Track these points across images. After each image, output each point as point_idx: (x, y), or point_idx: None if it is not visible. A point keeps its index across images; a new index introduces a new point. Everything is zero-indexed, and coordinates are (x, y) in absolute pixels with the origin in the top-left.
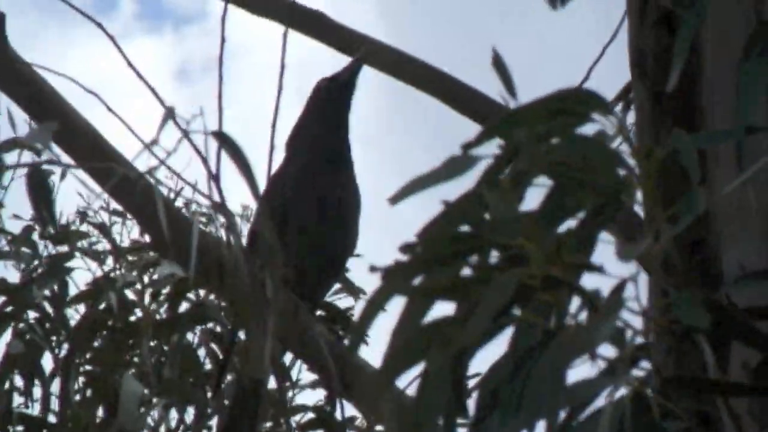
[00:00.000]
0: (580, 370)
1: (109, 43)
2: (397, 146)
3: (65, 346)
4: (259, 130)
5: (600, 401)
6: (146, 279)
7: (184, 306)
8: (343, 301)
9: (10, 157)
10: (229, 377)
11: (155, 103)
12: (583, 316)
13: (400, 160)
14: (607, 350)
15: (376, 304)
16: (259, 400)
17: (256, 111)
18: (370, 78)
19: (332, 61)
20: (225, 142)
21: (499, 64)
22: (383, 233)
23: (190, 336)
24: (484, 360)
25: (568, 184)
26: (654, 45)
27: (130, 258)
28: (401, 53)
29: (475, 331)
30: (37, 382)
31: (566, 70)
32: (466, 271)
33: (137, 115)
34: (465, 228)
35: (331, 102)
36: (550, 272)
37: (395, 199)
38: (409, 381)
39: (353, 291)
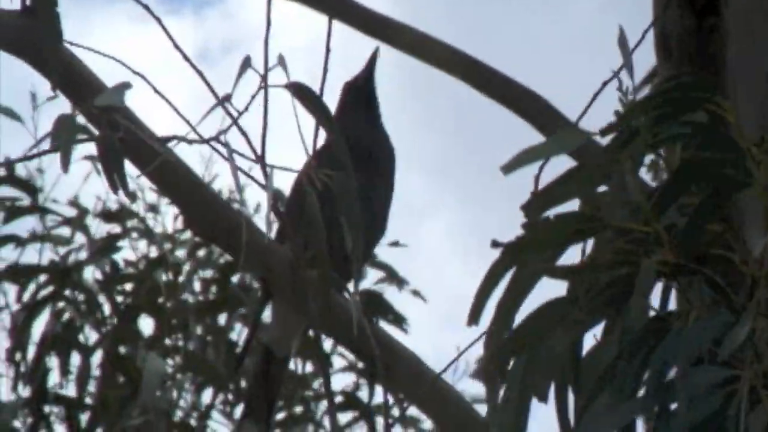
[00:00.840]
0: None
1: (126, 26)
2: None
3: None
4: (278, 113)
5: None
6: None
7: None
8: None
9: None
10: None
11: (176, 86)
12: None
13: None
14: None
15: (494, 276)
16: (282, 378)
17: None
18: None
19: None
20: (303, 93)
21: (623, 43)
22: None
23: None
24: None
25: (687, 171)
26: (679, 27)
27: (176, 239)
28: (424, 34)
29: (638, 315)
30: (73, 362)
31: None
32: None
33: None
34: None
35: (356, 103)
36: (683, 262)
37: (508, 169)
38: (442, 368)
39: (398, 280)
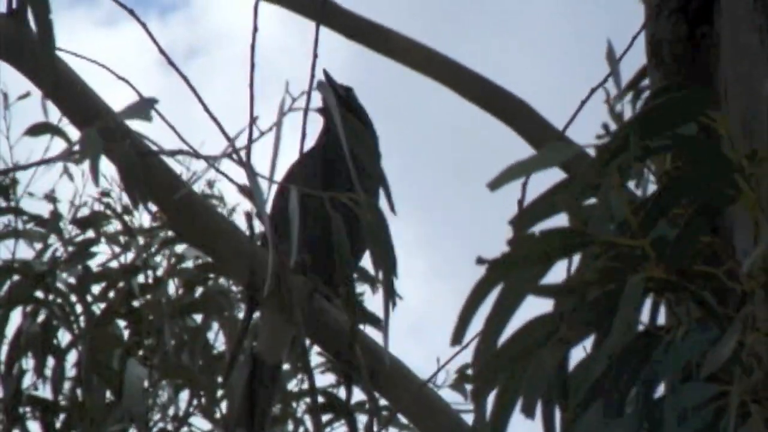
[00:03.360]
0: None
1: (90, 30)
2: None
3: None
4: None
5: None
6: (165, 263)
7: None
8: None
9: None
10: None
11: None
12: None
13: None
14: None
15: (479, 294)
16: (276, 383)
17: (237, 98)
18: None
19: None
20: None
21: (611, 57)
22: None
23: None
24: None
25: (676, 185)
26: (671, 35)
27: (144, 239)
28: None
29: (620, 333)
30: (49, 364)
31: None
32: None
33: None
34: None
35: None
36: (670, 277)
37: (494, 185)
38: (430, 375)
39: (370, 280)
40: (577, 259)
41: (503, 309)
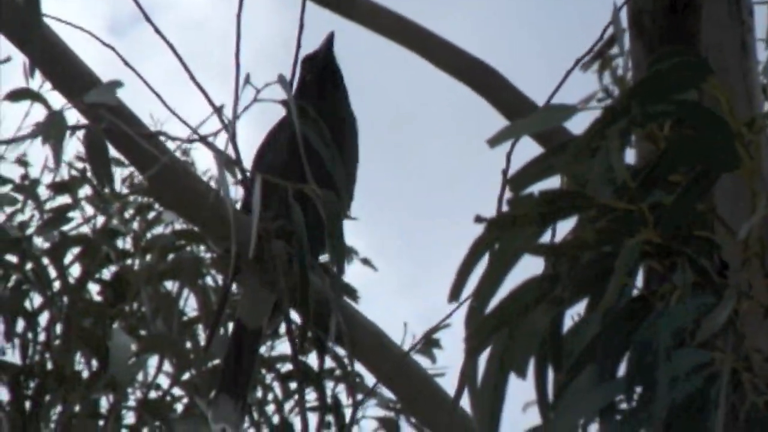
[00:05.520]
0: None
1: None
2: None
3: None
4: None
5: None
6: (137, 226)
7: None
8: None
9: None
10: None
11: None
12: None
13: None
14: None
15: (477, 252)
16: (256, 351)
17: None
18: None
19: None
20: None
21: (616, 21)
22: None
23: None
24: None
25: (676, 150)
26: (652, 5)
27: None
28: (378, 5)
29: (612, 294)
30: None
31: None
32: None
33: None
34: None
35: (319, 78)
36: (667, 242)
37: (494, 141)
38: (411, 345)
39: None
40: (572, 222)
41: (498, 268)
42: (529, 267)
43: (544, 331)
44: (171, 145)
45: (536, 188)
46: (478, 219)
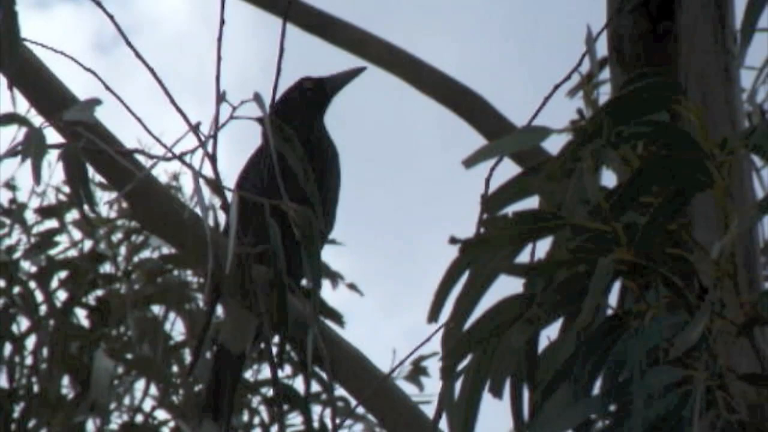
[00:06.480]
0: None
1: (22, 13)
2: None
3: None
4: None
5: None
6: (124, 251)
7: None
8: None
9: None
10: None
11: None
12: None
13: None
14: None
15: (454, 274)
16: (239, 374)
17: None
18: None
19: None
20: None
21: (589, 43)
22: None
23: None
24: None
25: (649, 170)
26: (632, 30)
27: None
28: (364, 32)
29: (588, 313)
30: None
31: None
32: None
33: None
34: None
35: (307, 102)
36: (639, 260)
37: (469, 162)
38: (392, 368)
39: (331, 276)
40: (547, 243)
41: (474, 289)
42: (506, 287)
43: (520, 351)
44: (152, 164)
45: (512, 209)
46: (453, 240)
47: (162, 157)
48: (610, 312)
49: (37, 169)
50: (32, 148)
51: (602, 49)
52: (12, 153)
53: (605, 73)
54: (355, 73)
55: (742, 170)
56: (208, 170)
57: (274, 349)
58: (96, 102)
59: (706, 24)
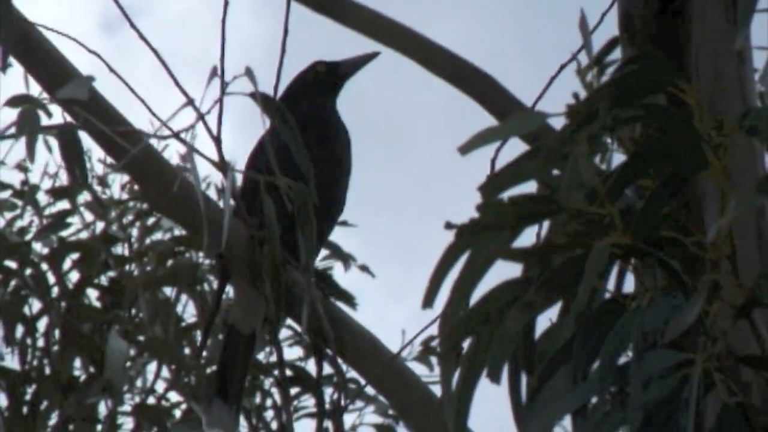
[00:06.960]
0: None
1: None
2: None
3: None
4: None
5: None
6: (135, 233)
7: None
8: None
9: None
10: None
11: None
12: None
13: None
14: None
15: (449, 259)
16: (249, 355)
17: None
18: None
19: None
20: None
21: (584, 27)
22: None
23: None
24: None
25: (645, 153)
26: (643, 10)
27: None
28: (376, 13)
29: (584, 296)
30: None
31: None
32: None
33: None
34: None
35: (319, 86)
36: (635, 243)
37: (465, 149)
38: (402, 346)
39: (343, 258)
40: (545, 226)
41: (471, 274)
42: (503, 272)
43: (517, 336)
44: (156, 143)
45: (511, 194)
46: (449, 226)
47: (156, 135)
48: (607, 296)
49: (31, 147)
50: (26, 125)
51: (613, 29)
52: (5, 131)
53: (617, 53)
54: (369, 58)
55: (755, 151)
56: (213, 152)
57: (280, 333)
58: (90, 79)
59: (717, 3)
